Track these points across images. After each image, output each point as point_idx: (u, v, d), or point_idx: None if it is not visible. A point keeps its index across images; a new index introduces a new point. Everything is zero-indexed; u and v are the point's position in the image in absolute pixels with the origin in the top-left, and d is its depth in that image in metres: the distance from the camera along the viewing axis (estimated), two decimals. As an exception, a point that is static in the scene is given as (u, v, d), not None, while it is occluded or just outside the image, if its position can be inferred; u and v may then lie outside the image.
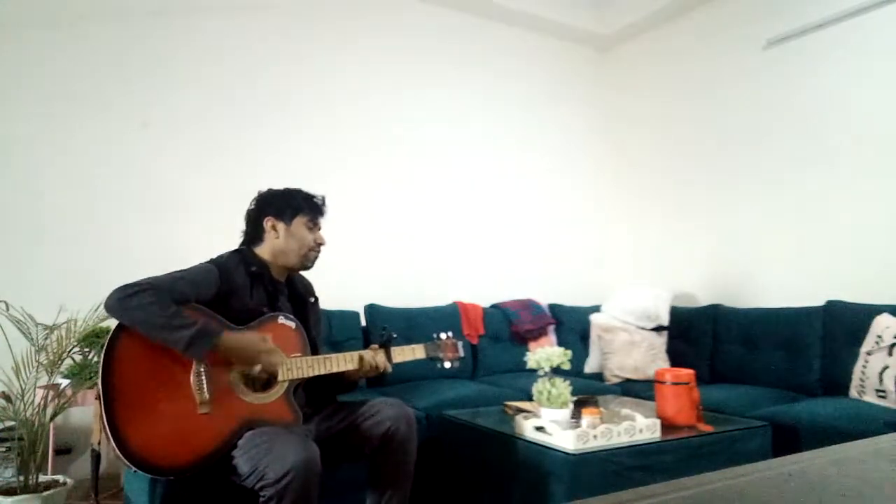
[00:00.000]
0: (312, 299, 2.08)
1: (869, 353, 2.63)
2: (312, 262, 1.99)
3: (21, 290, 2.46)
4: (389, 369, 1.96)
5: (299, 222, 1.95)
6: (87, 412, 2.72)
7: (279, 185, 2.04)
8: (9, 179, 2.86)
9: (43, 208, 2.91)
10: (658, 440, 2.10)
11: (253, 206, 2.00)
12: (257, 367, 1.73)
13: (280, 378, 1.78)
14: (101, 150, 3.04)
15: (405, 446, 1.85)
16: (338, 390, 2.03)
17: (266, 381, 1.78)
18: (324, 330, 2.96)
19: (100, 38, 3.09)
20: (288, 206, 1.96)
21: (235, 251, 1.96)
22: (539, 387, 2.18)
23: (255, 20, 3.49)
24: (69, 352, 2.42)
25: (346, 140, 3.66)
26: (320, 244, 1.98)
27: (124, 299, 1.61)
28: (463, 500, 2.41)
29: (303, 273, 2.11)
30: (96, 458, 2.50)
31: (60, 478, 2.37)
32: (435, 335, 2.14)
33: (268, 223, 1.95)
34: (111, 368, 1.59)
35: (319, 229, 2.01)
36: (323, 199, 2.02)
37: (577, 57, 4.60)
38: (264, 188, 2.03)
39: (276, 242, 1.94)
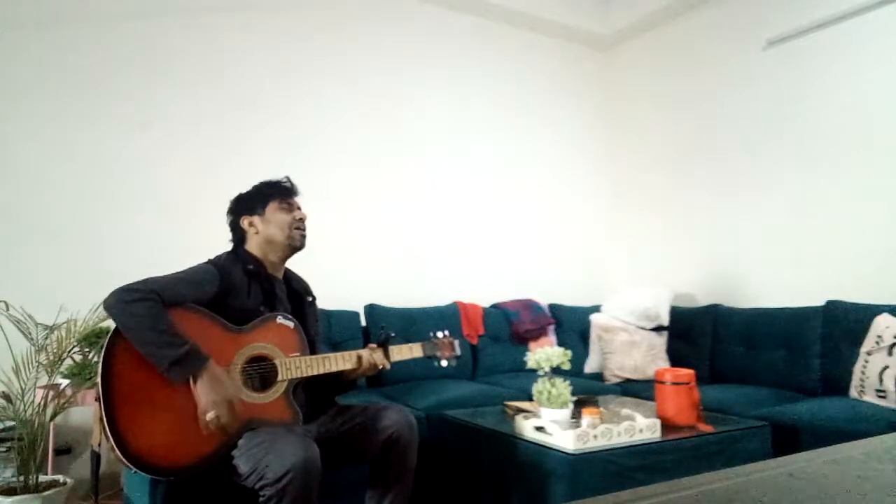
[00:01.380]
0: (310, 298, 2.08)
1: (869, 353, 2.63)
2: (301, 241, 1.97)
3: (21, 290, 2.46)
4: (388, 366, 1.96)
5: (272, 208, 1.95)
6: (87, 412, 2.72)
7: None
8: (9, 179, 2.86)
9: (43, 208, 2.91)
10: (658, 440, 2.10)
11: (229, 216, 2.01)
12: (209, 414, 1.61)
13: (280, 378, 1.78)
14: (101, 150, 3.04)
15: (407, 452, 1.85)
16: (336, 390, 2.03)
17: (265, 381, 1.78)
18: (323, 330, 2.96)
19: (99, 39, 3.08)
20: (255, 199, 1.97)
21: (231, 252, 1.96)
22: (539, 387, 2.18)
23: (257, 23, 3.49)
24: (69, 352, 2.42)
25: (346, 141, 3.66)
26: (301, 219, 1.98)
27: (122, 304, 1.61)
28: (463, 500, 2.41)
29: (302, 276, 2.12)
30: (96, 458, 2.50)
31: (60, 478, 2.37)
32: (432, 334, 2.14)
33: (244, 222, 1.96)
34: (111, 368, 1.60)
35: (298, 207, 2.00)
36: (287, 178, 2.02)
37: (577, 57, 4.59)
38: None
39: (258, 237, 1.95)
